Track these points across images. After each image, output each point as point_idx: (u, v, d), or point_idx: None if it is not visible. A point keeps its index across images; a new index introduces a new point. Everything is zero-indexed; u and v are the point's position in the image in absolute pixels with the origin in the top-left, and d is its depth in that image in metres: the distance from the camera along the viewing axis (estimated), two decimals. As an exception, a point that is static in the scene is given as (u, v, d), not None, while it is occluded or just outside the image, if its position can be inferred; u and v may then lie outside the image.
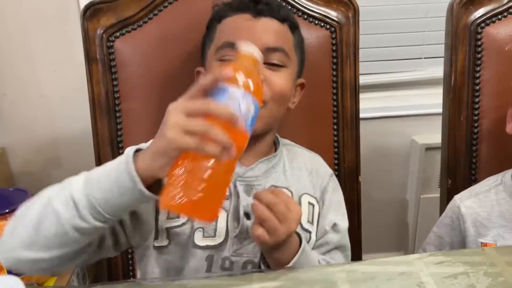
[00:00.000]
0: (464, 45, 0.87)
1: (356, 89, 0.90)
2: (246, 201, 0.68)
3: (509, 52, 0.85)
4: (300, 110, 0.90)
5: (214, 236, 0.67)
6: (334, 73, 0.89)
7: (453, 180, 0.91)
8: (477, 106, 0.88)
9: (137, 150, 0.54)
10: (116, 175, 0.53)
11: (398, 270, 0.59)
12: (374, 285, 0.56)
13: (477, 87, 0.88)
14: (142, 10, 0.85)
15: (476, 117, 0.89)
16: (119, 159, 0.54)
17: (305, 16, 0.87)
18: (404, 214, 1.51)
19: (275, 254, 0.62)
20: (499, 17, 0.86)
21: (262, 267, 0.66)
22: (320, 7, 0.87)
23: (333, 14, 0.87)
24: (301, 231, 0.69)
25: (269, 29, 0.69)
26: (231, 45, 0.66)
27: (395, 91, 1.44)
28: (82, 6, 1.13)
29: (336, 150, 0.92)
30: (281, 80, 0.69)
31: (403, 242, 1.53)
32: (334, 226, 0.74)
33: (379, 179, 1.43)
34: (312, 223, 0.73)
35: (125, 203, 0.54)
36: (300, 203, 0.72)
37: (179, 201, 0.49)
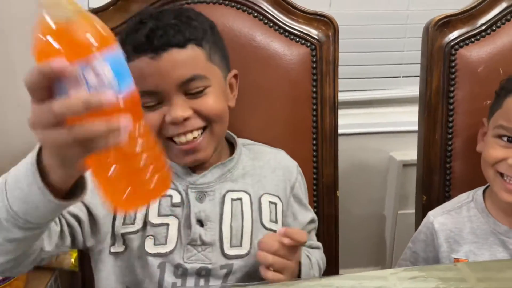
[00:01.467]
0: (439, 66, 0.89)
1: (335, 106, 0.92)
2: (197, 208, 0.69)
3: (482, 74, 0.88)
4: (280, 125, 0.91)
5: (165, 243, 0.68)
6: (314, 89, 0.91)
7: (427, 197, 0.93)
8: (451, 125, 0.91)
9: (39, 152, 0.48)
10: (28, 187, 0.48)
11: (373, 285, 0.60)
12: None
13: (451, 107, 0.91)
14: (125, 22, 0.86)
15: (450, 136, 0.91)
16: (26, 165, 0.48)
17: (286, 34, 0.89)
18: (381, 229, 1.53)
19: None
20: (472, 39, 0.89)
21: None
22: (301, 25, 0.89)
23: (313, 32, 0.89)
24: (266, 231, 0.71)
25: (174, 63, 0.65)
26: (146, 94, 0.65)
27: (375, 108, 1.47)
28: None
29: (315, 165, 0.93)
30: (209, 102, 0.68)
31: (380, 257, 1.55)
32: (311, 221, 0.81)
33: (358, 194, 1.44)
34: (276, 221, 0.74)
35: (44, 212, 0.50)
36: (260, 204, 0.73)
37: (133, 200, 0.46)
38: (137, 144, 0.44)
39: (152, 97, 0.66)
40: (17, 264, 0.57)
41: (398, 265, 0.87)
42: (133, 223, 0.68)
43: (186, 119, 0.66)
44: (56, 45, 0.39)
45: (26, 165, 0.48)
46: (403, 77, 1.41)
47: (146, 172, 0.44)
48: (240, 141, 0.79)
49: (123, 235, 0.68)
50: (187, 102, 0.66)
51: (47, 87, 0.40)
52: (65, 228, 0.62)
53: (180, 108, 0.65)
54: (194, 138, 0.67)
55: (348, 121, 1.39)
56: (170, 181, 0.50)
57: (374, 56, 1.38)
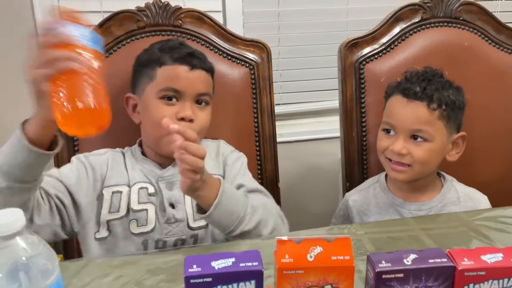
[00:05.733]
0: (351, 78, 1.12)
1: (272, 113, 1.13)
2: (168, 194, 0.88)
3: (384, 83, 1.10)
4: (229, 130, 1.12)
5: (146, 224, 0.86)
6: (254, 101, 1.12)
7: (350, 183, 1.14)
8: (364, 124, 1.13)
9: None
10: (10, 144, 0.68)
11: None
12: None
13: (363, 110, 1.13)
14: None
15: (364, 133, 1.13)
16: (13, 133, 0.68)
17: (229, 57, 1.11)
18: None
19: (201, 193, 0.74)
20: (376, 56, 1.12)
21: (196, 216, 0.84)
22: (241, 51, 1.11)
23: (250, 55, 1.11)
24: None
25: (201, 79, 0.93)
26: (173, 90, 0.89)
27: (324, 117, 1.68)
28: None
29: (258, 162, 1.14)
30: (206, 116, 0.94)
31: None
32: (240, 186, 0.91)
33: (314, 193, 1.65)
34: None
35: (22, 161, 0.67)
36: None
37: (75, 124, 0.61)
38: (88, 80, 0.62)
39: (175, 93, 0.89)
40: None
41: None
42: (118, 211, 0.86)
43: (190, 120, 0.89)
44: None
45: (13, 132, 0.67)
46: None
47: (90, 103, 0.61)
48: None
49: (108, 221, 0.86)
50: (194, 109, 0.90)
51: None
52: (54, 208, 0.81)
53: (190, 111, 0.90)
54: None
55: (301, 129, 1.61)
56: (108, 121, 0.64)
57: (322, 72, 1.57)
